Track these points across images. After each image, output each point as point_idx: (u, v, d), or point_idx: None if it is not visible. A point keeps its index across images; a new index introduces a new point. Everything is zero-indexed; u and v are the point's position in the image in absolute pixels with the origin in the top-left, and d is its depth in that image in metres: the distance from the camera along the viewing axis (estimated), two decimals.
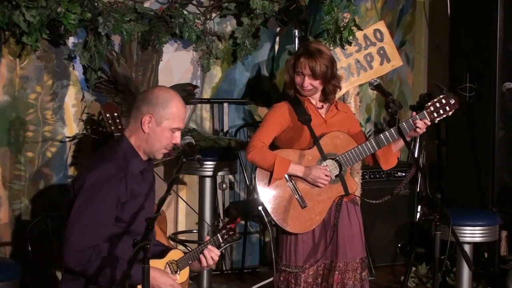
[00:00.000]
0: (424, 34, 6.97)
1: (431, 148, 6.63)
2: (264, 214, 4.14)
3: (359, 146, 4.14)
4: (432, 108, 4.12)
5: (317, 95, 4.24)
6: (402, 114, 6.78)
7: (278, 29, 5.94)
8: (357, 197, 4.34)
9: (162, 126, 3.41)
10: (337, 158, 4.14)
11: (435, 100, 4.14)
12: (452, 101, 4.13)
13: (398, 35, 6.76)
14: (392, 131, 4.11)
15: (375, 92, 6.09)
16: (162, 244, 3.77)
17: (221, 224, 3.68)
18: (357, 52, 5.53)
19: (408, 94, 6.95)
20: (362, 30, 5.50)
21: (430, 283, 5.85)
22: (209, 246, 3.55)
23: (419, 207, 6.35)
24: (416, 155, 6.27)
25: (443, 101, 4.13)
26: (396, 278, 6.03)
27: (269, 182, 4.10)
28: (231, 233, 3.60)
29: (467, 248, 5.29)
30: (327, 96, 4.23)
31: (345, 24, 5.36)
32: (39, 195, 5.44)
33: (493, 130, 5.79)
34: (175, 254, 3.56)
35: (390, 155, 4.23)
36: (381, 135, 4.15)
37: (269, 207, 4.10)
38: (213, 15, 5.84)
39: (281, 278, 4.21)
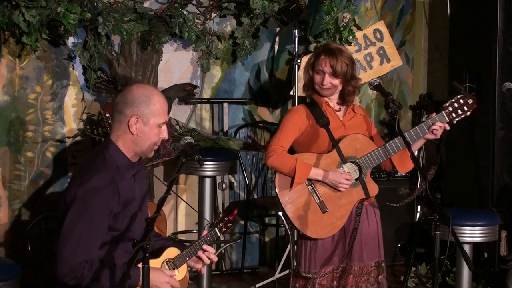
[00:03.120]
0: (423, 34, 6.96)
1: (431, 148, 6.62)
2: (284, 220, 4.03)
3: (379, 149, 4.03)
4: (450, 109, 4.01)
5: (335, 97, 4.11)
6: (402, 114, 6.78)
7: (277, 29, 5.94)
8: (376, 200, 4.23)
9: (149, 125, 3.36)
10: (357, 161, 4.04)
11: (453, 100, 4.02)
12: (470, 101, 4.02)
13: (398, 35, 6.76)
14: (412, 132, 4.01)
15: (375, 92, 6.08)
16: (161, 235, 3.74)
17: (218, 218, 3.63)
18: (357, 52, 5.53)
19: (407, 94, 6.94)
20: (362, 30, 5.51)
21: (430, 283, 5.85)
22: (204, 246, 3.53)
23: (419, 207, 6.35)
24: (415, 155, 6.25)
25: (461, 101, 4.01)
26: (396, 278, 6.03)
27: (290, 187, 3.98)
28: (229, 225, 3.56)
29: (467, 248, 5.29)
30: (345, 98, 4.10)
31: (344, 24, 5.36)
32: (39, 195, 5.44)
33: (493, 130, 5.77)
34: (171, 252, 3.53)
35: (406, 158, 4.12)
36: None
37: (289, 212, 3.98)
38: (213, 15, 5.83)
39: (297, 285, 4.10)
